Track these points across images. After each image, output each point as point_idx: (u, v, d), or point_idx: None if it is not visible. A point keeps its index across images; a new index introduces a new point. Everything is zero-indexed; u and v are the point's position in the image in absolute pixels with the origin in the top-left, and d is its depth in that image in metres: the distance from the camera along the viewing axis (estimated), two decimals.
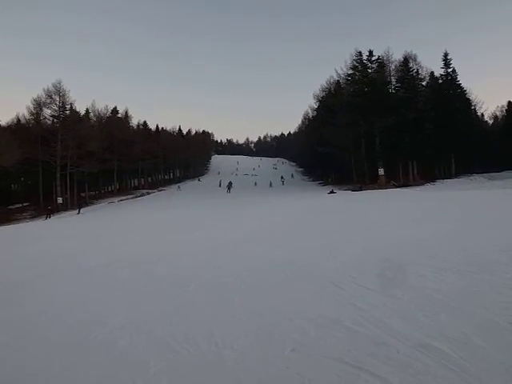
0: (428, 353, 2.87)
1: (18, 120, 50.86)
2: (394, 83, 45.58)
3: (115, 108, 65.65)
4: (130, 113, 68.21)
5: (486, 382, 2.43)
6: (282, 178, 60.79)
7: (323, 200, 25.59)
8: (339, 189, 38.62)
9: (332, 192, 34.16)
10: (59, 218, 32.11)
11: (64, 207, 38.91)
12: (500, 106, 64.19)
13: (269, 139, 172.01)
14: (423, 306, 3.81)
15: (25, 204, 44.88)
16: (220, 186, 52.47)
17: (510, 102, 57.99)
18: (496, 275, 4.59)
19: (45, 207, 37.84)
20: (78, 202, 38.90)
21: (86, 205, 40.17)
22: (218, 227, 13.70)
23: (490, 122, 64.19)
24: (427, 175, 40.90)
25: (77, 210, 34.73)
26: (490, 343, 2.95)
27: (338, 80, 52.05)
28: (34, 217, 35.57)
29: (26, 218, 35.97)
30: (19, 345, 3.84)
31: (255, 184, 56.04)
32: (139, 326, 4.04)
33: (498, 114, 64.26)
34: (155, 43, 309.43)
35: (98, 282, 6.42)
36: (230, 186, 47.04)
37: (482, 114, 58.42)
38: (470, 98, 49.86)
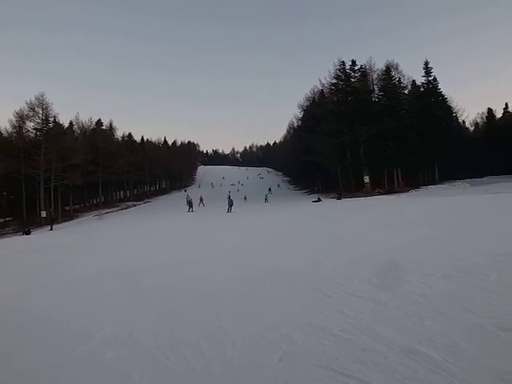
0: (415, 358, 2.87)
1: (0, 133, 50.14)
2: (377, 92, 46.37)
3: (99, 120, 65.39)
4: (114, 125, 68.13)
5: None
6: (269, 189, 60.11)
7: (308, 209, 25.68)
8: (325, 197, 38.80)
9: (318, 200, 34.33)
10: (39, 233, 31.58)
11: (49, 221, 38.23)
12: (480, 112, 65.67)
13: (255, 149, 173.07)
14: (410, 312, 3.83)
15: (8, 219, 44.08)
16: (229, 208, 30.23)
17: (489, 108, 59.34)
18: (481, 279, 4.64)
19: (28, 222, 37.30)
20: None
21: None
22: (204, 238, 13.64)
23: (471, 128, 65.49)
24: (412, 182, 41.52)
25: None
26: (476, 347, 2.96)
27: (321, 89, 52.91)
28: (17, 231, 34.89)
29: (8, 233, 35.32)
30: (2, 360, 3.74)
31: (245, 198, 48.66)
32: (125, 338, 3.98)
33: (478, 120, 65.68)
34: (138, 55, 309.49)
35: (84, 295, 6.31)
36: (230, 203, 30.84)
37: (464, 121, 59.72)
38: (451, 105, 50.91)
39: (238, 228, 16.47)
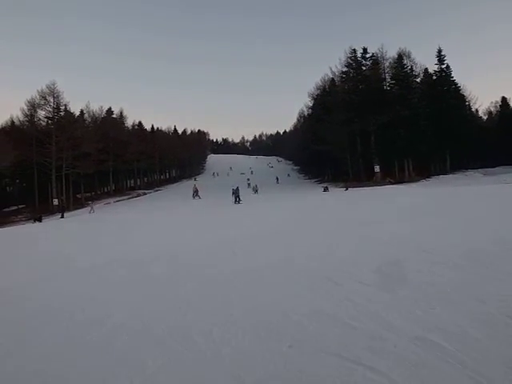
0: (425, 346, 2.88)
1: (12, 122, 50.73)
2: (389, 80, 45.77)
3: (110, 109, 65.43)
4: (124, 113, 67.99)
5: (483, 375, 2.44)
6: (277, 178, 59.82)
7: (318, 198, 25.62)
8: (335, 186, 38.61)
9: (325, 190, 34.14)
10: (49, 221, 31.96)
11: (60, 209, 38.65)
12: (494, 101, 64.53)
13: (264, 138, 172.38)
14: (419, 300, 3.82)
15: (20, 206, 44.70)
16: (237, 198, 27.66)
17: (503, 97, 58.31)
18: (491, 268, 4.61)
19: (40, 209, 37.75)
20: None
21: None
22: (213, 226, 13.70)
23: (485, 117, 64.42)
24: (423, 171, 41.09)
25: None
26: (486, 336, 2.96)
27: (332, 78, 52.30)
28: (29, 219, 35.34)
29: (21, 221, 35.81)
30: (17, 346, 3.82)
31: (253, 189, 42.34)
32: (136, 325, 4.03)
33: (492, 109, 64.56)
34: (149, 43, 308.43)
35: (95, 282, 6.40)
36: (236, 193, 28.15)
37: (477, 110, 58.73)
38: (464, 93, 50.12)
39: (246, 218, 16.50)
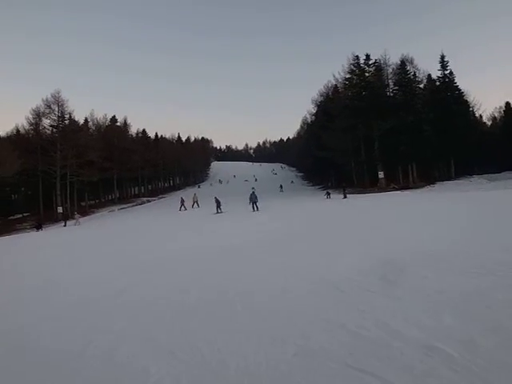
0: (432, 354, 2.84)
1: (18, 130, 51.08)
2: (392, 86, 45.62)
3: (114, 117, 65.75)
4: (128, 121, 68.39)
5: None
6: (280, 186, 58.31)
7: (321, 205, 25.53)
8: (339, 193, 38.38)
9: (328, 194, 33.65)
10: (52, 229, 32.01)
11: (63, 217, 38.68)
12: (498, 107, 64.27)
13: (268, 145, 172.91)
14: (426, 308, 3.78)
15: (25, 214, 44.85)
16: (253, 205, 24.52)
17: (507, 102, 58.11)
18: (499, 275, 4.56)
19: (45, 217, 37.84)
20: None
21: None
22: (217, 234, 13.67)
23: (489, 123, 64.14)
24: (427, 177, 40.87)
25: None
26: (494, 344, 2.91)
27: (335, 84, 52.20)
28: (33, 227, 35.41)
29: (26, 229, 35.90)
30: (19, 355, 3.80)
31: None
32: (140, 333, 4.01)
33: (496, 115, 64.28)
34: (153, 52, 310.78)
35: (99, 291, 6.38)
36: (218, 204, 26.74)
37: (481, 116, 58.27)
38: (468, 99, 49.90)
39: (249, 224, 16.45)
